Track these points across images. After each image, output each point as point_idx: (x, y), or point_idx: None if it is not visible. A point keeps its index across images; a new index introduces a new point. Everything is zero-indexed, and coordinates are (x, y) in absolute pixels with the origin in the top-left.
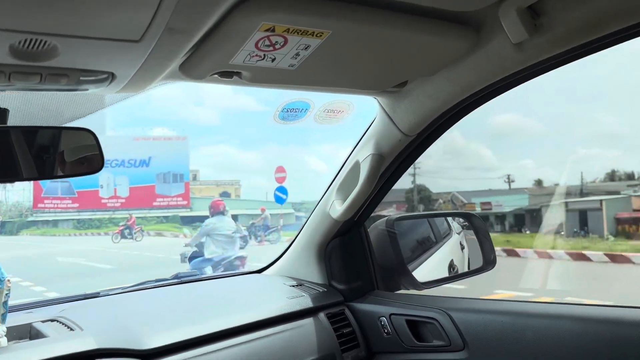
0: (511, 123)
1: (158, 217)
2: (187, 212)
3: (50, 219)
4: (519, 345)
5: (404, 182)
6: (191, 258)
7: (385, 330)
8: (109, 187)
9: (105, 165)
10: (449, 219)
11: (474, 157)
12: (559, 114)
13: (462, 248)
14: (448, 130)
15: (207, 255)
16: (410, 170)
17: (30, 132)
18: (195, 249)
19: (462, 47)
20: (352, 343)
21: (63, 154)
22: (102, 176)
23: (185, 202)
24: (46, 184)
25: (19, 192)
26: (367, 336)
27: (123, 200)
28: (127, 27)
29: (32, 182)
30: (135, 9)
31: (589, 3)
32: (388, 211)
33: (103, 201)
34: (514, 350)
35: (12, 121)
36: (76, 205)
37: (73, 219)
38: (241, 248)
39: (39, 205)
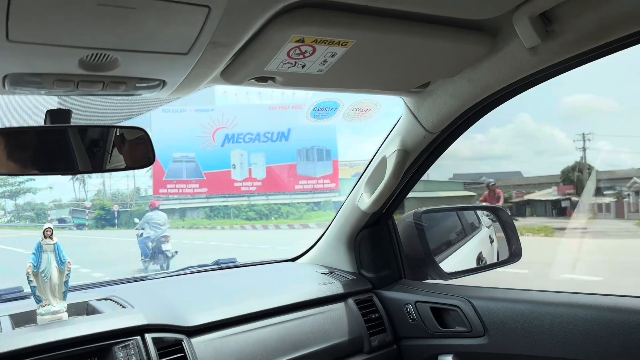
0: (585, 103)
1: (307, 203)
2: (337, 197)
3: (177, 207)
4: (537, 331)
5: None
6: (139, 238)
7: (411, 317)
8: (243, 167)
9: (236, 139)
10: (479, 212)
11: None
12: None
13: (492, 241)
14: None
15: (145, 235)
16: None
17: (89, 130)
18: (141, 232)
19: (480, 51)
20: (379, 328)
21: (119, 149)
22: (235, 154)
23: (333, 185)
24: (169, 164)
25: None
26: (393, 322)
27: (259, 183)
28: (177, 42)
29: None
30: (184, 27)
31: (598, 11)
32: (547, 192)
33: (236, 184)
34: (531, 336)
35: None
36: (204, 189)
37: (204, 207)
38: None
39: (160, 190)
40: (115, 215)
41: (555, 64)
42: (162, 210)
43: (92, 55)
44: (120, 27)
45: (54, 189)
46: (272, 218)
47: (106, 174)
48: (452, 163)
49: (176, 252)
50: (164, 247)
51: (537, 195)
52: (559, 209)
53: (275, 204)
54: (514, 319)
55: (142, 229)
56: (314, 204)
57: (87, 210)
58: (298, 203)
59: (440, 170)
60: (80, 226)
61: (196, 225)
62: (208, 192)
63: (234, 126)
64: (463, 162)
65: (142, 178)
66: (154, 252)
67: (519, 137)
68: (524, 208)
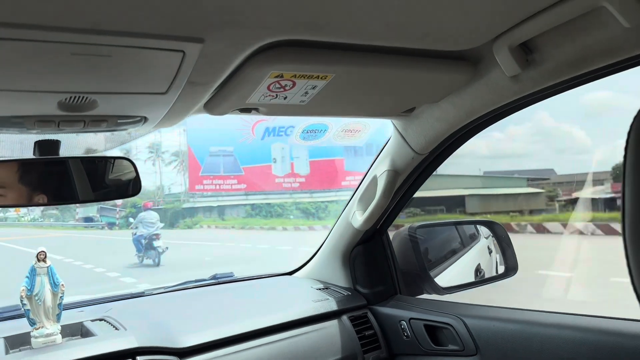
0: (604, 101)
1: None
2: None
3: (215, 204)
4: (527, 352)
5: None
6: (134, 236)
7: (405, 334)
8: (285, 161)
9: (277, 133)
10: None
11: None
12: None
13: (490, 252)
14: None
15: (139, 233)
16: None
17: (81, 161)
18: (135, 230)
19: (462, 79)
20: (374, 345)
21: (105, 179)
22: (275, 147)
23: None
24: (205, 159)
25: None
26: (388, 338)
27: (302, 179)
28: (154, 84)
29: (187, 155)
30: (160, 70)
31: (576, 41)
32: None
33: (277, 180)
34: (522, 357)
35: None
36: (243, 186)
37: (245, 205)
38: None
39: (196, 187)
40: None
41: (535, 92)
42: (200, 207)
43: (71, 98)
44: (96, 73)
45: None
46: (319, 218)
47: None
48: (470, 162)
49: (166, 247)
50: (156, 243)
51: (586, 192)
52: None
53: (322, 201)
54: (505, 339)
55: (136, 227)
56: None
57: (117, 209)
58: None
59: (459, 168)
60: (110, 225)
61: (249, 225)
62: (247, 188)
63: (275, 119)
64: (482, 160)
65: (168, 174)
66: (147, 248)
67: (538, 135)
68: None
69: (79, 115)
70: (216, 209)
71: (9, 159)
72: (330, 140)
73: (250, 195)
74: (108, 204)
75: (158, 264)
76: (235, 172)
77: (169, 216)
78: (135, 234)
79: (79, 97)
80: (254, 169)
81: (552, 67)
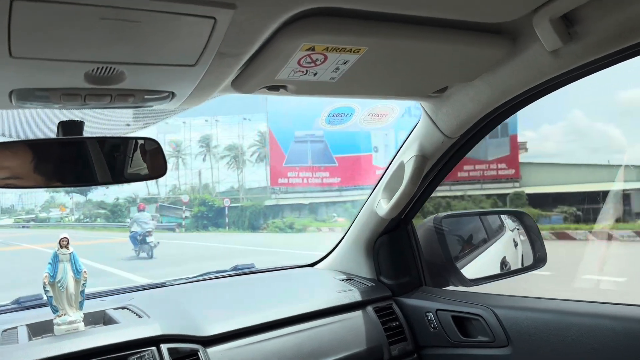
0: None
1: (488, 195)
2: (516, 188)
3: (306, 201)
4: (562, 343)
5: None
6: (130, 234)
7: (432, 325)
8: (388, 149)
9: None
10: (502, 215)
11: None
12: None
13: (516, 245)
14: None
15: (134, 230)
16: None
17: (105, 142)
18: (132, 228)
19: (499, 55)
20: (400, 336)
21: (134, 160)
22: (377, 134)
23: (511, 171)
24: (288, 147)
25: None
26: (413, 330)
27: None
28: (184, 55)
29: (268, 145)
30: (190, 39)
31: (622, 12)
32: None
33: (379, 172)
34: (557, 348)
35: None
36: (336, 179)
37: (343, 202)
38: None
39: (279, 180)
40: (226, 213)
41: (577, 67)
42: (286, 205)
43: (98, 69)
44: (125, 41)
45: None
46: None
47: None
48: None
49: (158, 242)
50: (148, 239)
51: None
52: None
53: (443, 196)
54: (539, 329)
55: (132, 226)
56: (498, 197)
57: (183, 207)
58: (469, 196)
59: None
60: (176, 226)
61: None
62: (341, 182)
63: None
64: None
65: (217, 171)
66: (142, 244)
67: (572, 135)
68: None
69: (105, 88)
70: (307, 207)
71: (25, 139)
72: (356, 125)
73: (344, 190)
74: (168, 201)
75: (151, 257)
76: (326, 162)
77: (247, 216)
78: (131, 232)
79: (107, 68)
80: (348, 159)
81: (596, 40)
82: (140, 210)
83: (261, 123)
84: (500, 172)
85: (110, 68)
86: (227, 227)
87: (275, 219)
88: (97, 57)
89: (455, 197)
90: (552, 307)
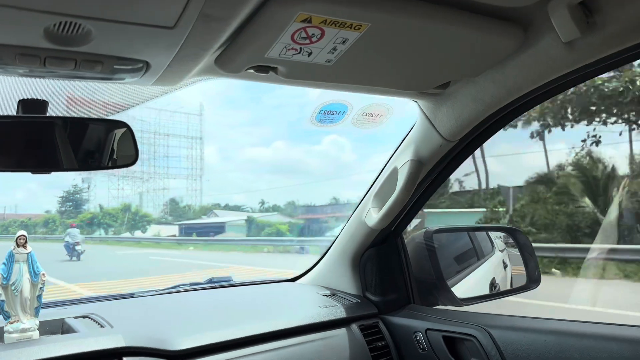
0: None
1: None
2: None
3: None
4: None
5: None
6: (64, 243)
7: (421, 346)
8: None
9: None
10: (492, 235)
11: None
12: None
13: (505, 267)
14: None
15: (67, 240)
16: None
17: (66, 123)
18: (65, 239)
19: (509, 46)
20: (386, 357)
21: (100, 146)
22: None
23: None
24: None
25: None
26: (401, 351)
27: None
28: (161, 12)
29: None
30: None
31: None
32: None
33: None
34: None
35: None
36: None
37: None
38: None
39: None
40: None
41: (594, 62)
42: None
43: (60, 24)
44: None
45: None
46: None
47: None
48: None
49: (84, 250)
50: (77, 247)
51: None
52: None
53: None
54: (538, 351)
55: (65, 237)
56: None
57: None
58: None
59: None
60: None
61: None
62: None
63: None
64: None
65: None
66: (72, 251)
67: None
68: None
69: (69, 50)
70: None
71: None
72: (348, 125)
73: None
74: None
75: (79, 259)
76: None
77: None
78: (65, 242)
79: (70, 23)
80: None
81: (616, 32)
82: (71, 227)
83: None
84: None
85: (75, 24)
86: None
87: None
88: (58, 7)
89: None
90: (552, 328)
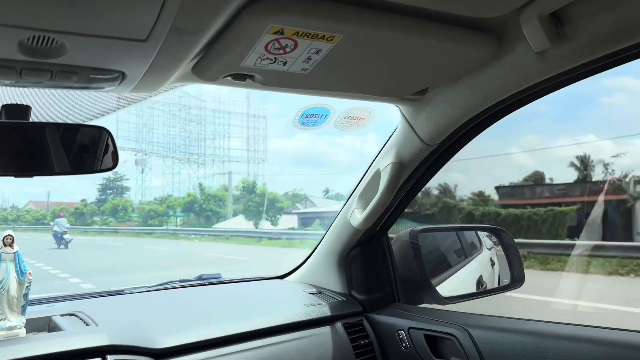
0: None
1: None
2: None
3: None
4: None
5: None
6: (52, 232)
7: (403, 344)
8: None
9: None
10: (480, 233)
11: None
12: None
13: (493, 264)
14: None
15: (55, 229)
16: None
17: (46, 129)
18: (54, 229)
19: (484, 55)
20: (369, 355)
21: (80, 150)
22: None
23: None
24: None
25: None
26: (384, 349)
27: None
28: (133, 26)
29: None
30: (140, 7)
31: (615, 11)
32: None
33: None
34: None
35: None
36: None
37: None
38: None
39: None
40: None
41: (565, 71)
42: None
43: (35, 37)
44: (63, 5)
45: None
46: None
47: None
48: None
49: (71, 239)
50: (65, 236)
51: None
52: None
53: None
54: (515, 351)
55: (54, 227)
56: None
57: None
58: None
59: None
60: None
61: None
62: None
63: None
64: None
65: None
66: (60, 239)
67: None
68: None
69: (44, 62)
70: None
71: None
72: (331, 128)
73: None
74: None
75: (67, 247)
76: None
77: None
78: (53, 230)
79: (44, 37)
80: None
81: (586, 42)
82: (59, 217)
83: None
84: None
85: (49, 38)
86: None
87: None
88: (31, 22)
89: None
90: (530, 329)
